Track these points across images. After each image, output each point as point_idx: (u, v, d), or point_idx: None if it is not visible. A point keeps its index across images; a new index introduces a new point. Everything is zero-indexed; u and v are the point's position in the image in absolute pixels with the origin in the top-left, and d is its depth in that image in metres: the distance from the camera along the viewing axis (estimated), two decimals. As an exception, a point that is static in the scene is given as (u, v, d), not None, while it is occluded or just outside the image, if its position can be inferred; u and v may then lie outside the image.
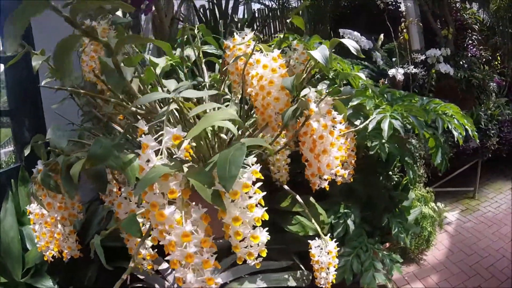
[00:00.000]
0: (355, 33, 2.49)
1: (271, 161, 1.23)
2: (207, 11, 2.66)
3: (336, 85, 1.38)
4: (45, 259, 0.98)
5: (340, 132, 0.96)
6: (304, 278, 1.27)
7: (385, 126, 1.22)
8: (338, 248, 1.07)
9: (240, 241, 0.74)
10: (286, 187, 1.25)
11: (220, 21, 2.30)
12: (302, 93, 0.96)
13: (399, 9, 3.20)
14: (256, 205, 0.73)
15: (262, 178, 0.72)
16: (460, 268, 2.12)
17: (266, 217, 0.74)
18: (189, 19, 2.75)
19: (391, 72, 2.59)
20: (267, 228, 0.76)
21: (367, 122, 1.21)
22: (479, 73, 2.90)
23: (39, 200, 0.94)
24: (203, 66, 1.43)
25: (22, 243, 1.37)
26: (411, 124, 1.33)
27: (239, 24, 2.56)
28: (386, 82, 2.65)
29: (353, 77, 1.59)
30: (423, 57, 2.79)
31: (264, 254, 0.77)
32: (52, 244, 0.96)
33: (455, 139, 1.42)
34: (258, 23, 2.90)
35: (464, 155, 2.78)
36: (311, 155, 0.97)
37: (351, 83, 1.53)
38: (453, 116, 1.40)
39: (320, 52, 0.89)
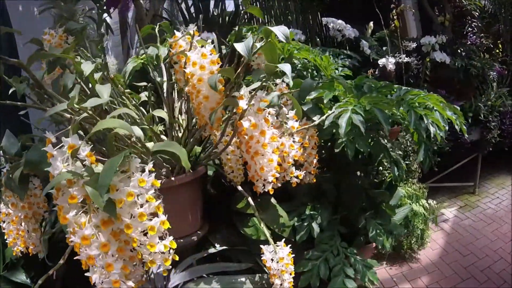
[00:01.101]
0: (339, 21, 2.42)
1: (223, 160, 1.18)
2: (191, 6, 2.62)
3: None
4: (14, 254, 1.06)
5: (282, 135, 0.92)
6: (264, 282, 1.22)
7: (342, 121, 1.15)
8: (293, 255, 1.03)
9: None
10: (239, 188, 1.20)
11: (200, 15, 2.26)
12: (244, 91, 0.91)
13: None
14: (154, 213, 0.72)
15: (159, 185, 0.71)
16: (453, 270, 2.03)
17: (166, 226, 0.74)
18: (173, 14, 2.72)
19: (381, 61, 2.51)
20: (171, 238, 0.78)
21: (323, 118, 1.16)
22: (478, 62, 2.78)
23: (4, 200, 1.02)
24: (162, 65, 1.39)
25: (3, 239, 1.41)
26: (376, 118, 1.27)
27: (221, 18, 2.52)
28: (376, 73, 2.57)
29: (324, 67, 1.54)
30: (414, 45, 2.69)
31: (167, 264, 0.75)
32: (18, 240, 1.03)
33: (459, 131, 1.35)
34: (246, 16, 2.85)
35: (463, 149, 2.68)
36: (248, 157, 0.92)
37: (326, 75, 1.47)
38: (435, 109, 1.31)
39: (245, 44, 0.84)
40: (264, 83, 1.06)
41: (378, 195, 1.61)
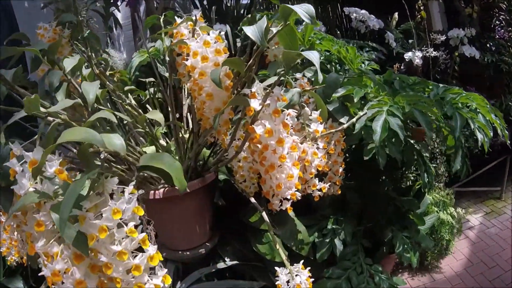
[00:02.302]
0: (362, 11, 2.19)
1: (234, 168, 0.99)
2: (204, -2, 2.43)
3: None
4: (8, 263, 1.01)
5: (304, 140, 0.72)
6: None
7: (377, 126, 0.94)
8: (312, 273, 0.83)
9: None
10: (252, 200, 1.01)
11: (213, 7, 2.06)
12: (257, 87, 0.72)
13: None
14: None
15: (142, 213, 0.51)
16: (478, 283, 1.80)
17: (157, 261, 0.54)
18: (186, 7, 2.53)
19: (408, 55, 2.28)
20: (165, 271, 0.58)
21: (352, 120, 0.95)
22: (509, 57, 2.53)
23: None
24: (167, 58, 1.21)
25: (4, 246, 1.36)
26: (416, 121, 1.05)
27: (236, 10, 2.32)
28: (402, 68, 2.34)
29: (349, 60, 1.33)
30: (443, 38, 2.44)
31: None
32: (12, 250, 0.96)
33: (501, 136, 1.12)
34: (263, 8, 2.64)
35: (490, 151, 2.42)
36: (262, 169, 0.73)
37: (352, 69, 1.26)
38: (478, 111, 1.10)
39: (256, 27, 0.64)
40: (281, 78, 0.87)
41: (406, 204, 1.40)
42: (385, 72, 1.22)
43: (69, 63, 0.81)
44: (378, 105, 1.02)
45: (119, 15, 2.42)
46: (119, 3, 1.96)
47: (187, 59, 0.81)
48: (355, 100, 1.00)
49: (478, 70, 2.52)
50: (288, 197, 0.76)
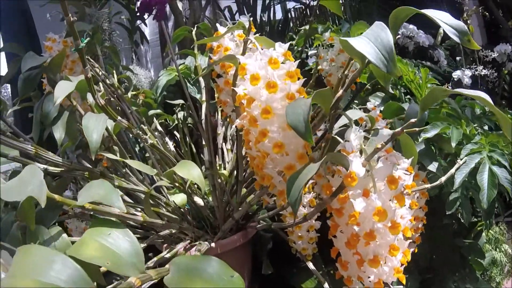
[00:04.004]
0: (411, 26, 1.88)
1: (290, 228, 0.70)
2: (235, 13, 2.17)
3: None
4: None
5: (409, 215, 0.42)
6: None
7: (483, 179, 0.66)
8: None
9: None
10: (310, 265, 0.71)
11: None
12: (355, 135, 0.42)
13: None
14: None
15: None
16: None
17: None
18: (217, 21, 2.27)
19: (456, 74, 1.95)
20: None
21: (451, 171, 0.64)
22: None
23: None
24: (200, 78, 0.93)
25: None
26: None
27: (269, 26, 2.04)
28: (450, 88, 2.02)
29: (417, 85, 1.02)
30: (495, 55, 2.12)
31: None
32: None
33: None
34: (293, 23, 2.37)
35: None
36: (347, 252, 0.43)
37: (418, 97, 0.95)
38: None
39: (372, 39, 0.34)
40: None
41: (470, 251, 1.09)
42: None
43: (60, 88, 0.53)
44: (478, 149, 0.72)
45: (146, 31, 2.18)
46: (145, 16, 1.70)
47: (233, 84, 0.53)
48: (453, 143, 0.70)
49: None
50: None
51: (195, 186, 0.70)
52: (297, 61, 0.44)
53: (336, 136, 0.44)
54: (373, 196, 0.38)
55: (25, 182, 0.32)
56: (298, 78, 0.43)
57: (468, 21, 2.24)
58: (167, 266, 0.33)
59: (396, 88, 0.98)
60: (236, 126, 0.51)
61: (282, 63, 0.43)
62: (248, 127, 0.43)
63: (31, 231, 0.46)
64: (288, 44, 0.44)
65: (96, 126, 0.50)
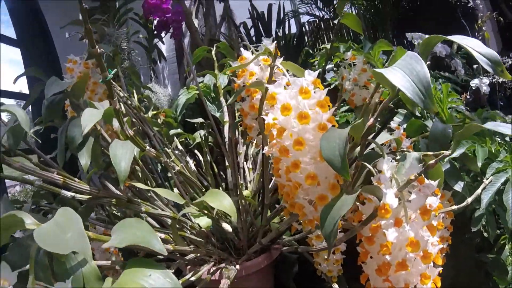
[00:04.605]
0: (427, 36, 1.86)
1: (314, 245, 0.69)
2: (250, 29, 2.18)
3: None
4: None
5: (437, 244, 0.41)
6: None
7: (509, 200, 0.65)
8: None
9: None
10: (336, 287, 0.70)
11: (262, 38, 1.80)
12: (388, 166, 0.41)
13: (468, 6, 2.52)
14: None
15: None
16: None
17: None
18: (232, 39, 2.28)
19: (474, 83, 1.93)
20: None
21: (477, 192, 0.63)
22: None
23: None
24: (222, 99, 0.94)
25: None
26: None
27: (283, 41, 2.05)
28: (468, 97, 2.00)
29: (438, 101, 1.01)
30: (511, 61, 2.09)
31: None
32: None
33: None
34: (308, 37, 2.37)
35: None
36: (378, 279, 0.42)
37: (439, 113, 0.94)
38: None
39: (407, 72, 0.33)
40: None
41: (494, 267, 1.05)
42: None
43: (87, 116, 0.53)
44: (504, 167, 0.71)
45: (163, 48, 2.21)
46: (162, 34, 1.73)
47: (261, 110, 0.53)
48: (479, 163, 0.68)
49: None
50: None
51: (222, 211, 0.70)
52: (326, 89, 0.43)
53: (366, 164, 0.43)
54: (406, 227, 0.37)
55: (62, 228, 0.32)
56: (328, 107, 0.43)
57: (483, 28, 2.22)
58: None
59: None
60: (263, 153, 0.51)
61: (315, 91, 0.43)
62: (279, 156, 0.43)
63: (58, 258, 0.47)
64: (317, 72, 0.43)
65: (124, 155, 0.50)
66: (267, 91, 0.44)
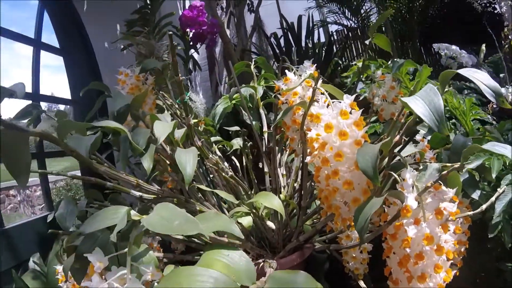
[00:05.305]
0: (453, 47, 1.92)
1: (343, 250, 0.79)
2: (280, 37, 2.29)
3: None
4: None
5: (452, 239, 0.50)
6: None
7: None
8: None
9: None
10: (362, 284, 0.79)
11: (293, 48, 1.91)
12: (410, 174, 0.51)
13: (496, 11, 2.55)
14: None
15: None
16: None
17: None
18: (263, 49, 2.40)
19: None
20: None
21: (492, 199, 0.72)
22: None
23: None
24: (261, 111, 1.04)
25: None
26: None
27: (313, 50, 2.15)
28: (495, 107, 2.04)
29: (462, 113, 1.09)
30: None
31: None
32: None
33: None
34: (337, 46, 2.46)
35: None
36: (399, 270, 0.52)
37: (463, 124, 1.02)
38: None
39: (426, 102, 0.44)
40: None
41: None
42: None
43: (161, 129, 0.65)
44: (516, 178, 0.79)
45: (196, 56, 2.34)
46: (198, 45, 1.85)
47: (303, 125, 0.63)
48: (493, 175, 0.77)
49: None
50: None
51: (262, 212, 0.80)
52: (361, 110, 0.54)
53: (392, 173, 0.53)
54: (423, 224, 0.47)
55: (168, 218, 0.43)
56: (364, 125, 0.53)
57: (510, 36, 2.25)
58: (263, 278, 0.43)
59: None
60: (302, 162, 0.61)
61: (351, 112, 0.53)
62: (321, 165, 0.53)
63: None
64: (354, 96, 0.54)
65: (188, 161, 0.62)
66: (308, 108, 0.55)
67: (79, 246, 0.62)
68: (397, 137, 0.52)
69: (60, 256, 0.93)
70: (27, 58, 1.64)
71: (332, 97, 0.63)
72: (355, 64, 1.01)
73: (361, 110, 0.54)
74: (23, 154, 0.53)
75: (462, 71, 0.48)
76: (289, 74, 0.70)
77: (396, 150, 0.58)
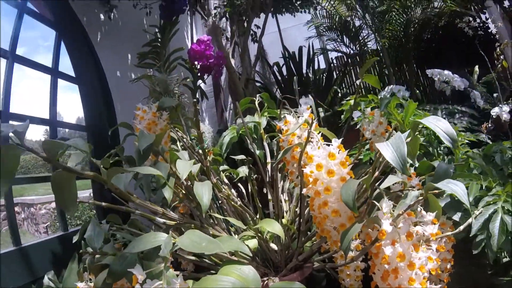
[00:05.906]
0: (446, 72, 2.05)
1: (339, 268, 0.91)
2: (282, 66, 2.44)
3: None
4: None
5: (425, 255, 0.62)
6: None
7: (494, 228, 0.84)
8: None
9: None
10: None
11: (294, 77, 2.05)
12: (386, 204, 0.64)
13: (489, 32, 2.68)
14: None
15: None
16: None
17: None
18: (266, 77, 2.55)
19: (495, 111, 2.08)
20: None
21: (469, 221, 0.84)
22: None
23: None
24: (265, 143, 1.17)
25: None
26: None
27: (313, 77, 2.29)
28: (490, 126, 2.16)
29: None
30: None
31: None
32: None
33: None
34: (337, 72, 2.60)
35: None
36: (382, 284, 0.65)
37: (453, 150, 1.15)
38: None
39: (395, 148, 0.57)
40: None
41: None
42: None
43: (184, 167, 0.78)
44: (494, 200, 0.91)
45: (202, 85, 2.50)
46: (205, 76, 2.00)
47: (300, 161, 0.76)
48: (471, 198, 0.89)
49: None
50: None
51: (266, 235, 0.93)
52: (347, 151, 0.67)
53: (375, 202, 0.66)
54: (398, 245, 0.59)
55: (198, 240, 0.55)
56: (349, 164, 0.66)
57: (501, 57, 2.35)
58: (267, 290, 0.56)
59: (430, 145, 1.18)
60: (301, 193, 0.74)
61: (339, 153, 0.66)
62: (314, 196, 0.66)
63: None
64: (341, 139, 0.67)
65: (204, 192, 0.74)
66: (304, 148, 0.68)
67: (112, 265, 0.75)
68: (376, 173, 0.65)
69: (81, 274, 1.03)
70: (40, 79, 1.76)
71: (325, 137, 0.77)
72: (349, 100, 1.14)
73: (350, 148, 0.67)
74: (71, 190, 0.67)
75: (425, 120, 0.61)
76: (288, 117, 0.83)
77: (380, 180, 0.71)
